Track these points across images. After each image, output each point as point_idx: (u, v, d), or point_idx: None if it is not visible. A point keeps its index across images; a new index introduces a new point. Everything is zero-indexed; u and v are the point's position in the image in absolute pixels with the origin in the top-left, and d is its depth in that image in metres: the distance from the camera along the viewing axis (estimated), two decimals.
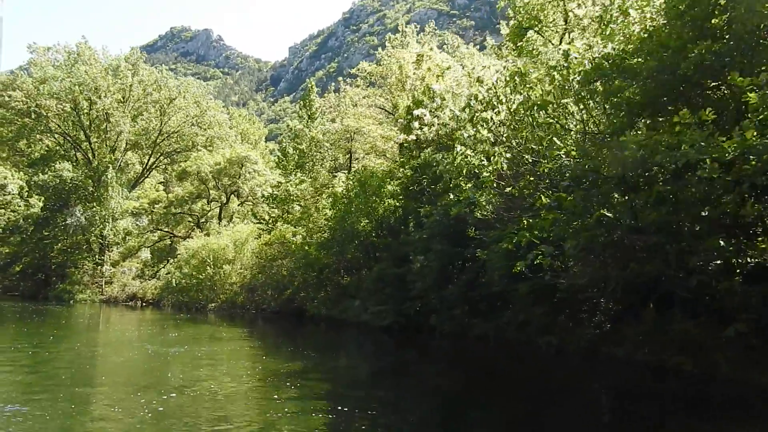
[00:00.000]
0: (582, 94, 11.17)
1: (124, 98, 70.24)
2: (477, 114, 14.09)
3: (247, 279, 41.94)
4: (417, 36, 34.94)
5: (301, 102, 42.42)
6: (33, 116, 65.68)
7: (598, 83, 10.34)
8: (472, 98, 14.37)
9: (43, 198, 63.62)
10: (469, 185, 17.00)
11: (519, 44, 26.27)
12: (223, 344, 21.65)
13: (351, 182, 30.47)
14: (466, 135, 14.46)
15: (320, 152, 36.79)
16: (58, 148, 70.45)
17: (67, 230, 63.63)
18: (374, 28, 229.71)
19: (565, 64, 11.34)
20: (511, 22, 28.67)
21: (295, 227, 35.41)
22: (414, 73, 31.09)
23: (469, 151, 14.43)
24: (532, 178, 13.39)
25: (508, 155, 13.57)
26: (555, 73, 11.45)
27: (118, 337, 24.32)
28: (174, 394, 11.57)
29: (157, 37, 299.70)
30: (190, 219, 58.15)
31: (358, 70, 35.03)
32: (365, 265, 29.05)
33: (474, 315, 21.84)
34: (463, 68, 30.33)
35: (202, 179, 54.37)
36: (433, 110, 24.28)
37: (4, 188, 63.38)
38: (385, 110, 32.74)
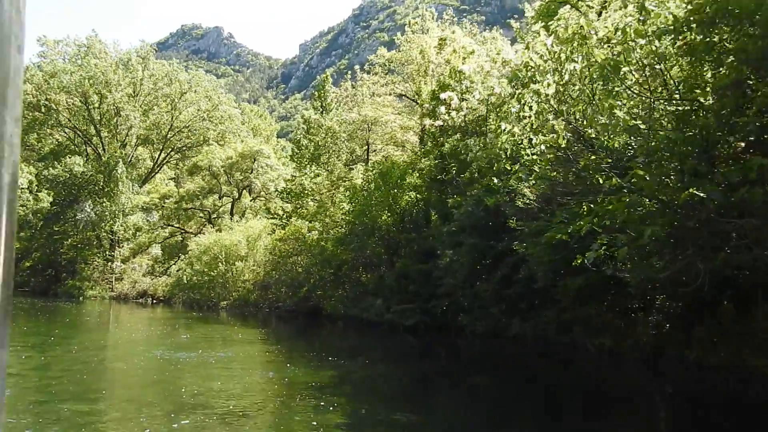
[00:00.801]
0: (665, 49, 9.34)
1: (134, 92, 68.81)
2: (526, 84, 12.21)
3: (260, 276, 40.25)
4: (437, 21, 33.12)
5: (315, 93, 40.66)
6: (43, 110, 64.41)
7: (692, 34, 8.52)
8: (521, 67, 12.50)
9: (52, 193, 62.29)
10: (515, 168, 15.11)
11: (550, 23, 24.35)
12: (238, 348, 19.91)
13: (371, 174, 28.68)
14: (513, 110, 12.60)
15: (336, 144, 34.98)
16: (68, 142, 69.18)
17: (77, 225, 62.32)
18: (384, 25, 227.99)
19: (641, 18, 9.53)
20: (537, 3, 26.76)
21: (310, 222, 33.62)
22: (437, 58, 29.24)
23: (516, 129, 12.56)
24: (594, 157, 11.53)
25: (568, 132, 11.75)
26: (628, 29, 9.63)
27: (125, 338, 22.66)
28: (184, 415, 9.66)
29: (168, 35, 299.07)
30: (201, 215, 56.57)
31: (377, 56, 33.23)
32: (386, 262, 27.27)
33: (510, 314, 20.02)
34: (487, 53, 28.45)
35: (213, 174, 52.75)
36: (461, 93, 22.43)
37: None
38: (407, 97, 30.88)
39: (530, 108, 12.53)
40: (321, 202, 34.68)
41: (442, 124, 22.62)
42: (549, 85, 12.91)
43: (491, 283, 20.17)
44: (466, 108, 21.50)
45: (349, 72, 38.57)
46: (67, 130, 68.53)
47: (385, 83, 32.70)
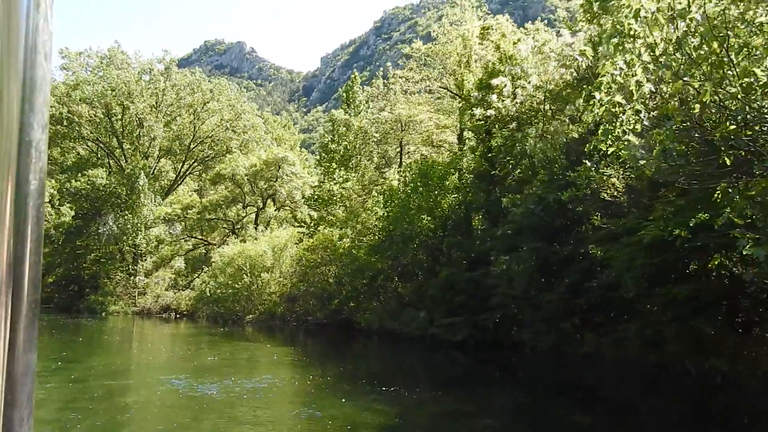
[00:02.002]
0: None
1: (157, 103, 67.19)
2: (633, 38, 9.49)
3: (286, 288, 37.73)
4: (475, 11, 30.48)
5: (344, 95, 38.29)
6: (65, 123, 62.99)
7: None
8: (629, 15, 9.81)
9: (74, 207, 60.66)
10: (603, 154, 12.31)
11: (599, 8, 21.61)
12: (268, 372, 17.21)
13: (409, 174, 26.03)
14: (613, 73, 9.88)
15: (367, 146, 32.41)
16: (90, 155, 67.70)
17: (100, 239, 60.55)
18: (406, 36, 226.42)
19: None
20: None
21: (341, 229, 31.00)
22: (480, 48, 26.48)
23: (619, 98, 9.83)
24: (732, 127, 8.77)
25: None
26: None
27: (144, 361, 19.91)
28: None
29: (192, 51, 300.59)
30: (224, 225, 54.36)
31: (412, 49, 30.62)
32: (428, 270, 24.53)
33: (580, 327, 17.18)
34: (534, 40, 25.73)
35: (237, 183, 50.50)
36: (513, 79, 19.82)
37: None
38: (448, 90, 28.22)
39: (637, 69, 9.82)
40: (352, 208, 32.10)
41: (493, 113, 19.95)
42: (662, 40, 10.18)
43: (557, 293, 17.36)
44: (522, 95, 18.85)
45: (373, 80, 36.26)
46: (89, 143, 67.06)
47: (420, 79, 30.08)
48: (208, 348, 23.34)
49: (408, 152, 33.92)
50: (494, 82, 19.93)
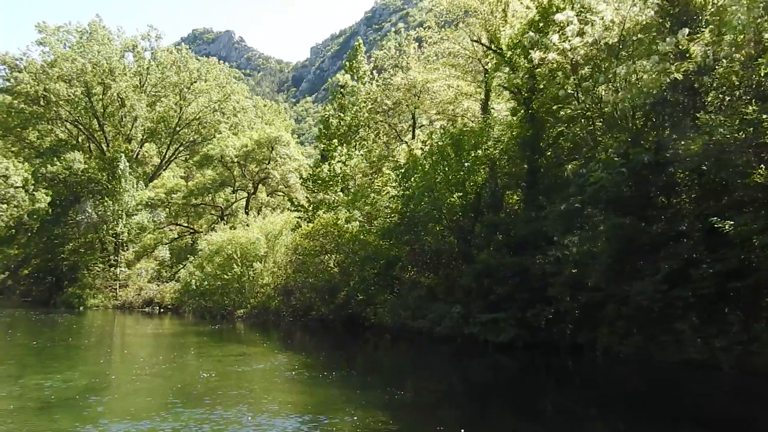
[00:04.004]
0: None
1: (140, 82, 62.34)
2: None
3: (282, 279, 33.35)
4: None
5: (347, 64, 33.84)
6: (42, 102, 57.96)
7: None
8: None
9: (50, 192, 55.71)
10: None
11: None
12: (267, 387, 12.64)
13: (435, 143, 21.68)
14: None
15: (376, 117, 28.00)
16: (69, 138, 62.72)
17: (78, 228, 55.75)
18: (397, 26, 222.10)
19: None
20: None
21: (348, 211, 26.54)
22: None
23: None
24: None
25: None
26: None
27: (116, 370, 15.15)
28: None
29: (179, 40, 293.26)
30: (212, 212, 49.75)
31: (432, 2, 26.13)
32: (460, 256, 20.19)
33: (678, 326, 13.00)
34: None
35: (226, 165, 45.82)
36: (584, 10, 15.58)
37: (6, 179, 55.36)
38: (480, 43, 23.68)
39: None
40: (360, 187, 27.74)
41: (555, 57, 15.66)
42: None
43: (651, 282, 13.15)
44: (593, 34, 14.56)
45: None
46: (68, 125, 62.07)
47: (439, 38, 25.67)
48: (195, 350, 18.79)
49: (421, 125, 29.60)
50: (558, 17, 15.69)
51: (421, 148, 23.68)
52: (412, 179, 21.83)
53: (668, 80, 11.88)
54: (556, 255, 15.74)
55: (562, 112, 17.67)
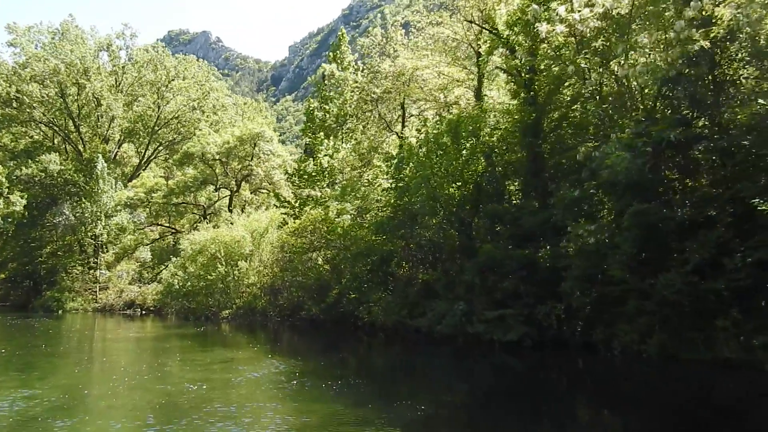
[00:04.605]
0: None
1: (116, 82, 60.14)
2: None
3: (268, 279, 31.80)
4: None
5: (330, 55, 32.30)
6: (15, 104, 55.55)
7: None
8: None
9: (26, 195, 53.39)
10: None
11: None
12: (260, 396, 11.27)
13: (432, 130, 20.28)
14: None
15: (366, 106, 26.54)
16: (44, 140, 60.36)
17: (56, 230, 53.60)
18: (375, 23, 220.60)
19: None
20: None
21: (339, 204, 25.03)
22: None
23: None
24: None
25: None
26: None
27: (88, 383, 13.33)
28: None
29: (156, 41, 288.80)
30: (194, 211, 47.92)
31: None
32: (461, 249, 18.82)
33: (709, 323, 11.78)
34: None
35: (207, 162, 44.00)
36: None
37: None
38: (475, 24, 22.23)
39: None
40: (350, 181, 26.28)
41: (564, 30, 14.31)
42: None
43: (678, 274, 11.90)
44: (607, 2, 13.24)
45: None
46: (42, 127, 59.74)
47: (428, 23, 24.26)
48: (176, 356, 17.17)
49: (411, 115, 28.22)
50: None
51: (416, 137, 22.30)
52: (407, 170, 20.45)
53: (693, 49, 10.68)
54: (568, 246, 14.47)
55: (567, 92, 16.42)
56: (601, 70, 14.35)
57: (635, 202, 12.40)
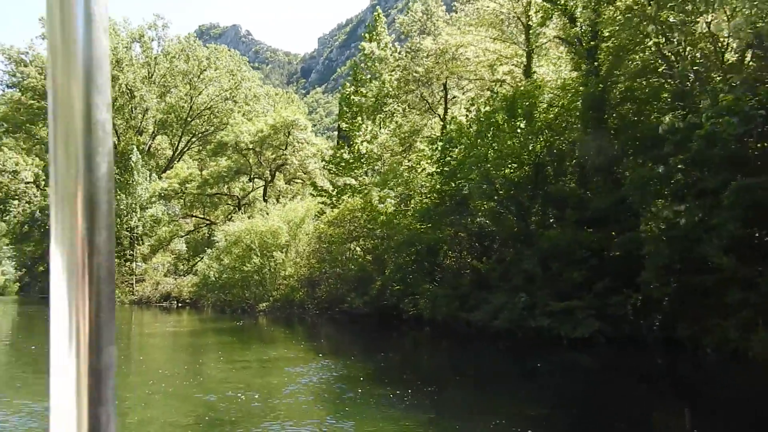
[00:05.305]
0: None
1: (149, 73, 59.57)
2: None
3: (305, 270, 30.57)
4: None
5: (366, 36, 30.80)
6: None
7: None
8: None
9: None
10: None
11: None
12: (315, 407, 9.69)
13: (485, 108, 18.65)
14: None
15: (408, 86, 24.95)
16: None
17: None
18: (404, 13, 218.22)
19: None
20: None
21: (381, 190, 23.54)
22: None
23: None
24: None
25: None
26: None
27: (123, 388, 11.80)
28: None
29: (187, 35, 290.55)
30: (229, 202, 47.01)
31: None
32: (519, 236, 17.15)
33: None
34: None
35: (241, 152, 42.97)
36: None
37: (17, 175, 53.08)
38: None
39: None
40: (391, 166, 24.79)
41: None
42: None
43: None
44: None
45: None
46: None
47: None
48: (219, 359, 15.72)
49: (454, 97, 26.54)
50: None
51: (465, 116, 20.66)
52: (455, 152, 18.84)
53: None
54: (648, 230, 12.77)
55: (636, 60, 14.65)
56: (684, 28, 12.55)
57: (738, 176, 10.66)
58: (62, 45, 0.54)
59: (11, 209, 54.75)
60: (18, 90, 57.37)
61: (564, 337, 14.39)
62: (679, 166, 11.76)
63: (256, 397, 10.36)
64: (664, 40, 13.55)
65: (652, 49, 14.23)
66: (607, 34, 15.84)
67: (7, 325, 31.90)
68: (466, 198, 18.60)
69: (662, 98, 14.57)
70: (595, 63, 15.92)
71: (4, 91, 59.68)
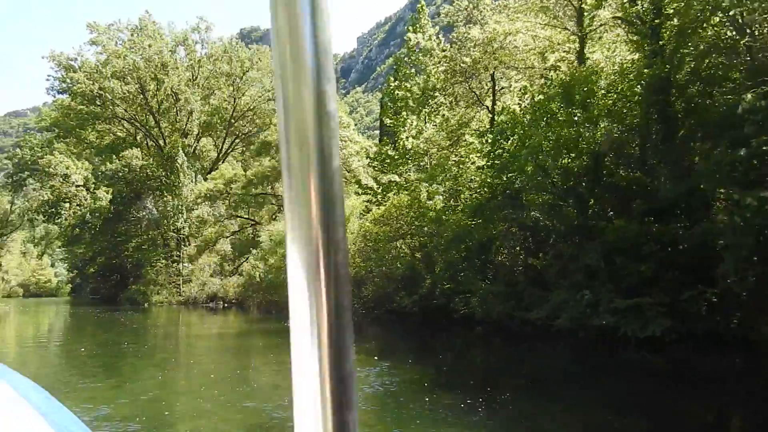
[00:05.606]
0: None
1: (193, 76, 60.26)
2: None
3: (350, 269, 30.03)
4: None
5: (410, 29, 30.19)
6: (98, 101, 56.58)
7: None
8: None
9: (111, 190, 54.34)
10: None
11: None
12: (387, 422, 9.08)
13: (540, 94, 17.81)
14: None
15: (455, 77, 24.21)
16: (127, 136, 61.41)
17: (140, 224, 54.31)
18: (442, 9, 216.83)
19: None
20: None
21: (429, 185, 22.89)
22: None
23: None
24: None
25: None
26: None
27: (171, 399, 11.02)
28: None
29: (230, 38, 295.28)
30: (273, 202, 47.03)
31: None
32: (579, 230, 16.26)
33: None
34: None
35: None
36: None
37: (68, 179, 54.34)
38: None
39: None
40: (439, 161, 24.10)
41: None
42: None
43: None
44: None
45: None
46: (125, 123, 60.72)
47: None
48: (271, 363, 15.02)
49: (501, 88, 25.68)
50: None
51: (518, 105, 19.85)
52: (508, 143, 18.03)
53: None
54: (729, 219, 11.78)
55: (708, 34, 13.61)
56: None
57: None
58: (289, 32, 0.52)
59: (63, 212, 56.07)
60: (68, 95, 58.71)
61: (631, 336, 13.45)
62: (764, 148, 10.78)
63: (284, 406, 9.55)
64: (739, 12, 12.51)
65: (726, 22, 13.19)
66: (671, 10, 14.82)
67: (59, 325, 32.48)
68: (519, 191, 17.79)
69: (734, 78, 13.50)
70: (660, 43, 14.91)
71: (55, 97, 61.11)
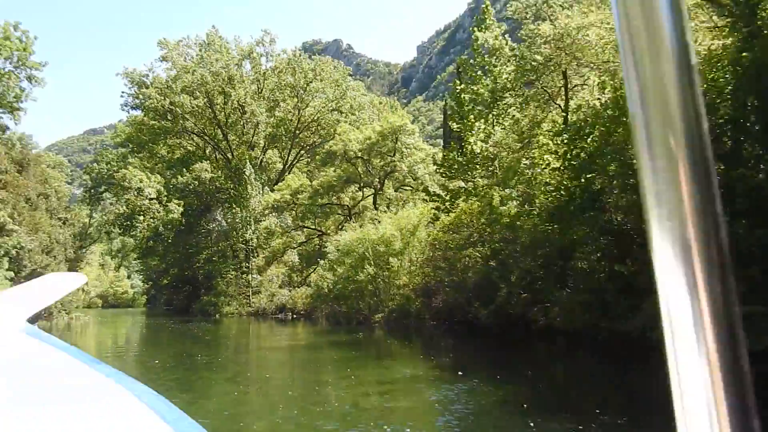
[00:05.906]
0: None
1: (258, 88, 61.28)
2: None
3: (420, 279, 29.40)
4: None
5: (475, 29, 29.32)
6: (169, 116, 58.40)
7: None
8: None
9: (182, 203, 55.81)
10: None
11: None
12: None
13: (622, 90, 16.68)
14: None
15: (527, 75, 23.17)
16: (196, 149, 63.09)
17: (210, 236, 55.44)
18: (502, 14, 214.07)
19: None
20: None
21: (502, 190, 21.93)
22: None
23: None
24: None
25: None
26: None
27: (240, 416, 10.24)
28: None
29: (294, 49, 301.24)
30: (339, 212, 46.91)
31: None
32: None
33: None
34: None
35: (350, 160, 42.71)
36: None
37: (141, 192, 56.06)
38: None
39: None
40: (511, 164, 23.12)
41: None
42: None
43: None
44: None
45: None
46: (194, 137, 62.43)
47: None
48: (342, 378, 14.33)
49: (574, 86, 24.45)
50: None
51: (598, 100, 18.70)
52: (587, 141, 16.93)
53: None
54: None
55: None
56: None
57: None
58: (645, 31, 0.49)
59: (137, 225, 57.86)
60: (141, 111, 60.84)
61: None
62: None
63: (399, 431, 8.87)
64: None
65: None
66: None
67: (135, 337, 33.17)
68: (600, 193, 16.64)
69: None
70: (758, 22, 13.56)
71: (129, 112, 63.38)
